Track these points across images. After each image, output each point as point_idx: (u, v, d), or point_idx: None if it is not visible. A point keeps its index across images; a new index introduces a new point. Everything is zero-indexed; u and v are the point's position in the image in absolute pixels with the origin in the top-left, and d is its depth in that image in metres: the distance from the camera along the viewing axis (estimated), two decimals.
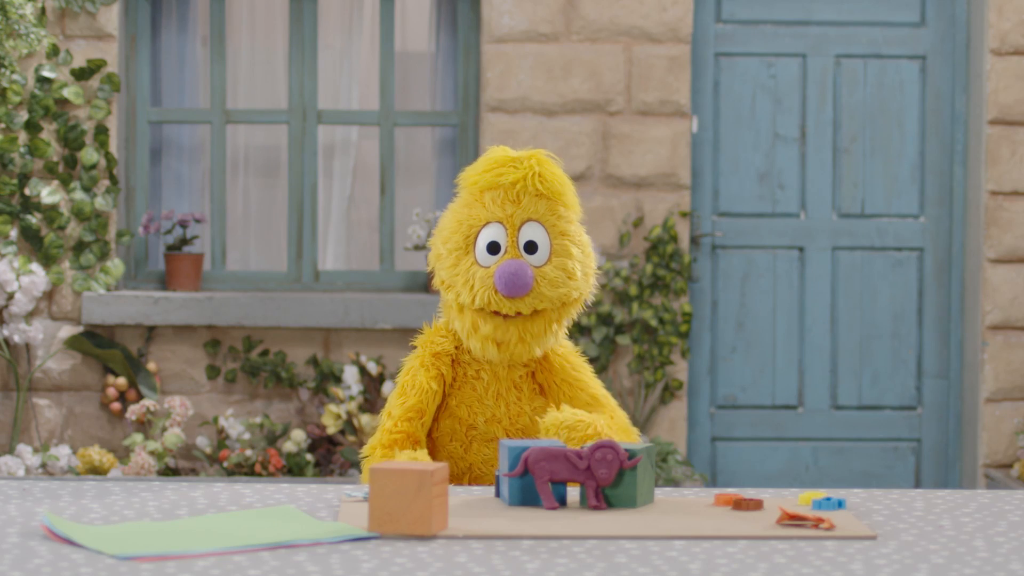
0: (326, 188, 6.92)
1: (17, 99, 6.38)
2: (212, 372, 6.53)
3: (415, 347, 3.43)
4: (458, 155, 6.76)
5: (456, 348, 3.40)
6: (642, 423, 6.59)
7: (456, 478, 3.36)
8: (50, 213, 6.42)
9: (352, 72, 6.93)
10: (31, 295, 6.32)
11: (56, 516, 2.60)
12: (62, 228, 6.44)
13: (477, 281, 3.30)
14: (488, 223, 3.33)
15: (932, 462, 6.86)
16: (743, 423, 6.81)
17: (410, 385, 3.36)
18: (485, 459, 3.35)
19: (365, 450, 3.37)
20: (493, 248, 3.32)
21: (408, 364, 3.40)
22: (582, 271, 3.36)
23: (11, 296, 6.32)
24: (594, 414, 3.28)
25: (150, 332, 6.52)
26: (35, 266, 6.36)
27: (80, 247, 6.45)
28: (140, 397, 6.45)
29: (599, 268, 3.51)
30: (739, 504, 2.81)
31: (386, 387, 6.42)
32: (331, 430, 6.35)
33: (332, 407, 6.36)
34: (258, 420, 6.39)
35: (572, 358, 3.44)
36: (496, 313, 3.32)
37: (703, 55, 6.75)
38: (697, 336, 6.77)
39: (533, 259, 3.33)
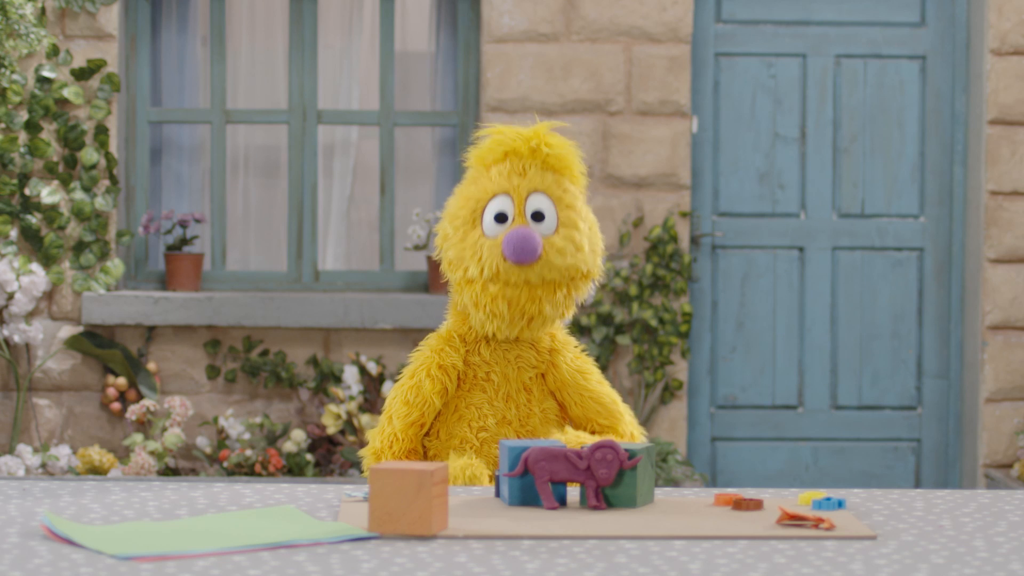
0: (326, 188, 6.92)
1: (17, 99, 6.38)
2: (212, 372, 6.53)
3: (424, 347, 3.41)
4: (458, 155, 6.76)
5: (466, 353, 3.39)
6: (642, 423, 6.59)
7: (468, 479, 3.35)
8: (50, 213, 6.42)
9: (352, 72, 6.93)
10: (31, 295, 6.32)
11: (56, 516, 2.60)
12: (62, 228, 6.44)
13: (485, 251, 3.29)
14: (495, 195, 3.33)
15: (932, 462, 6.86)
16: (743, 423, 6.81)
17: (415, 394, 3.35)
18: (495, 461, 3.34)
19: (367, 454, 3.37)
20: (500, 219, 3.31)
21: (414, 365, 3.39)
22: (590, 246, 3.35)
23: (11, 296, 6.32)
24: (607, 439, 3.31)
25: (150, 332, 6.53)
26: (35, 266, 6.36)
27: (80, 247, 6.45)
28: (140, 397, 6.45)
29: (600, 274, 3.49)
30: (739, 504, 2.81)
31: (386, 387, 6.42)
32: (331, 430, 6.35)
33: (332, 407, 6.36)
34: (258, 420, 6.40)
35: (582, 365, 3.42)
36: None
37: (703, 55, 6.75)
38: (697, 336, 6.77)
39: (541, 228, 3.31)
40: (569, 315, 3.41)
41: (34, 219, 6.42)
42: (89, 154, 6.42)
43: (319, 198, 6.87)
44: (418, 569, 2.33)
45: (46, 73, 6.41)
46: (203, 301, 6.45)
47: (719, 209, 6.77)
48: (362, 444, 6.33)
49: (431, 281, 6.63)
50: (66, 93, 6.41)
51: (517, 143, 3.34)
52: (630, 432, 3.44)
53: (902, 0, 6.80)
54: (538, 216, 3.31)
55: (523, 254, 3.24)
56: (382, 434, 3.36)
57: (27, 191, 6.42)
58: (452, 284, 3.39)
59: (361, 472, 6.28)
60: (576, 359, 3.43)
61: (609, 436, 3.39)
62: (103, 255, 6.47)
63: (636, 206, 6.61)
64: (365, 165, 6.98)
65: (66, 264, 6.46)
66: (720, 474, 6.81)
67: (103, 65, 6.44)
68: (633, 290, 6.58)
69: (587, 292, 3.41)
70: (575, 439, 3.24)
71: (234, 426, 6.37)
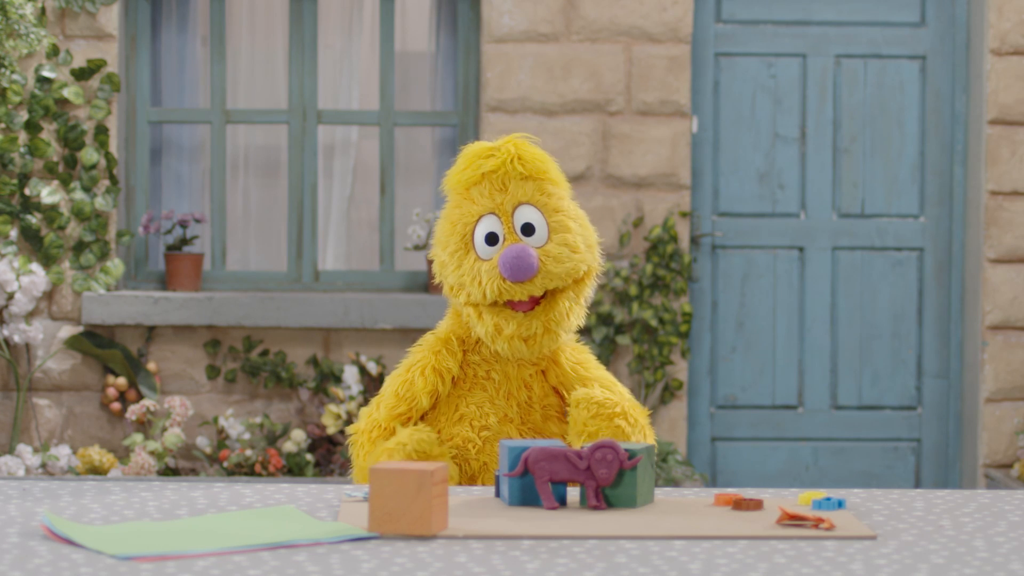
0: (326, 188, 6.92)
1: (17, 99, 6.38)
2: (212, 372, 6.53)
3: (423, 344, 3.41)
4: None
5: (465, 353, 3.39)
6: None
7: (470, 479, 3.35)
8: (50, 213, 6.42)
9: (352, 72, 6.93)
10: (31, 295, 6.32)
11: (56, 516, 2.60)
12: (62, 228, 6.44)
13: (483, 275, 3.29)
14: (481, 217, 3.33)
15: (932, 462, 6.86)
16: (743, 423, 6.81)
17: (406, 389, 3.35)
18: (498, 459, 3.34)
19: (353, 431, 3.38)
20: (491, 239, 3.31)
21: (412, 359, 3.39)
22: (584, 243, 3.35)
23: (11, 296, 6.32)
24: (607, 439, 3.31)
25: (150, 332, 6.53)
26: (35, 266, 6.36)
27: (80, 247, 6.45)
28: (140, 397, 6.45)
29: (599, 267, 3.48)
30: (739, 504, 2.81)
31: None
32: (331, 430, 6.35)
33: (332, 407, 6.36)
34: (258, 420, 6.40)
35: (581, 357, 3.43)
36: (510, 304, 3.30)
37: (703, 55, 6.75)
38: (697, 336, 6.77)
39: (533, 240, 3.31)
40: (581, 320, 3.41)
41: (34, 219, 6.42)
42: (89, 154, 6.42)
43: (319, 198, 6.87)
44: (418, 569, 2.33)
45: (46, 73, 6.41)
46: (203, 301, 6.45)
47: (719, 209, 6.77)
48: None
49: (431, 281, 6.63)
50: (66, 93, 6.41)
51: (492, 161, 3.34)
52: (630, 408, 3.43)
53: (902, 0, 6.80)
54: (528, 229, 3.31)
55: (520, 272, 3.24)
56: (368, 417, 3.38)
57: (27, 191, 6.42)
58: (458, 305, 3.38)
59: (347, 453, 6.27)
60: (575, 352, 3.44)
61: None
62: (103, 255, 6.47)
63: (636, 206, 6.61)
64: (365, 165, 6.98)
65: (66, 264, 6.46)
66: (720, 474, 6.81)
67: (103, 65, 6.44)
68: (633, 290, 6.58)
69: (592, 289, 3.41)
70: (600, 394, 3.25)
71: (234, 426, 6.37)
